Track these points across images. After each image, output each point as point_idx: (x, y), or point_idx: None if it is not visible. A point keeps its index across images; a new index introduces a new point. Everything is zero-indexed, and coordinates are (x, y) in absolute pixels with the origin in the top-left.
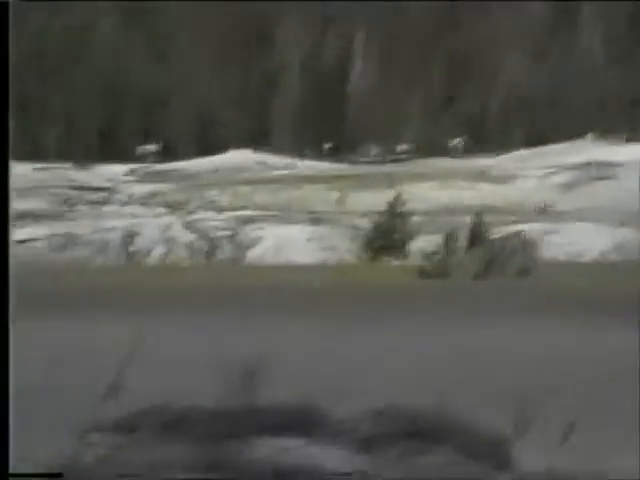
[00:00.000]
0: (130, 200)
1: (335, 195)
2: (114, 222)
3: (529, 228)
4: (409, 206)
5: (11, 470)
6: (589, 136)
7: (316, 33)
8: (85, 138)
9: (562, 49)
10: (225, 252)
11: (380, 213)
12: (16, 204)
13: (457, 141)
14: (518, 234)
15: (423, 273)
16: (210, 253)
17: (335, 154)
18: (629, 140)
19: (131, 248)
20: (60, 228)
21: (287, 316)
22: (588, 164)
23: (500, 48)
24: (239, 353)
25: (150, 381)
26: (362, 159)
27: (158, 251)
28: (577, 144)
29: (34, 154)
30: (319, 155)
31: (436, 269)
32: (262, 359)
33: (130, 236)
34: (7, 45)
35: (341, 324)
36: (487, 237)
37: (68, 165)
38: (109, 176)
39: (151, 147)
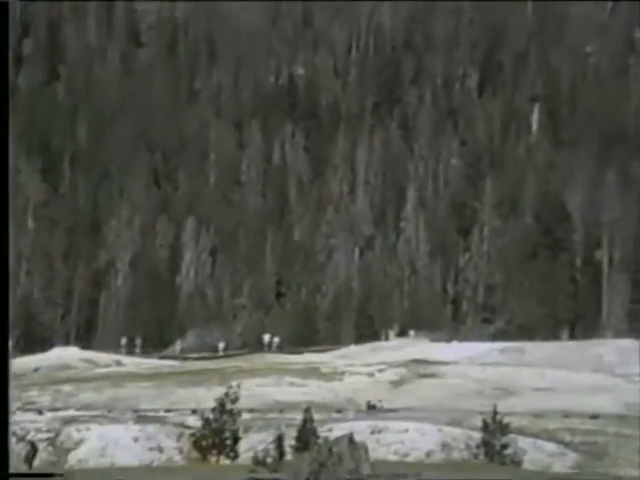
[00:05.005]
0: None
1: (162, 392)
2: None
3: (358, 427)
4: (239, 403)
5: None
6: (413, 334)
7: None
8: None
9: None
10: (45, 455)
11: (209, 410)
12: None
13: (284, 337)
14: (345, 437)
15: (254, 475)
16: (29, 457)
17: (162, 350)
18: (451, 339)
19: None
20: None
21: None
22: (414, 361)
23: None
24: None
25: None
26: (191, 355)
27: None
28: (403, 341)
29: None
30: (147, 351)
31: (266, 472)
32: None
33: None
34: (7, 45)
35: None
36: (316, 438)
37: None
38: None
39: None
